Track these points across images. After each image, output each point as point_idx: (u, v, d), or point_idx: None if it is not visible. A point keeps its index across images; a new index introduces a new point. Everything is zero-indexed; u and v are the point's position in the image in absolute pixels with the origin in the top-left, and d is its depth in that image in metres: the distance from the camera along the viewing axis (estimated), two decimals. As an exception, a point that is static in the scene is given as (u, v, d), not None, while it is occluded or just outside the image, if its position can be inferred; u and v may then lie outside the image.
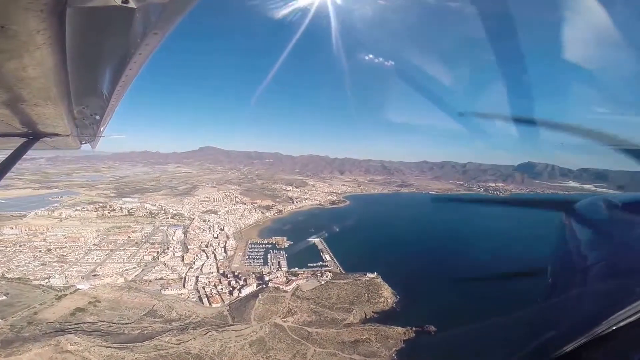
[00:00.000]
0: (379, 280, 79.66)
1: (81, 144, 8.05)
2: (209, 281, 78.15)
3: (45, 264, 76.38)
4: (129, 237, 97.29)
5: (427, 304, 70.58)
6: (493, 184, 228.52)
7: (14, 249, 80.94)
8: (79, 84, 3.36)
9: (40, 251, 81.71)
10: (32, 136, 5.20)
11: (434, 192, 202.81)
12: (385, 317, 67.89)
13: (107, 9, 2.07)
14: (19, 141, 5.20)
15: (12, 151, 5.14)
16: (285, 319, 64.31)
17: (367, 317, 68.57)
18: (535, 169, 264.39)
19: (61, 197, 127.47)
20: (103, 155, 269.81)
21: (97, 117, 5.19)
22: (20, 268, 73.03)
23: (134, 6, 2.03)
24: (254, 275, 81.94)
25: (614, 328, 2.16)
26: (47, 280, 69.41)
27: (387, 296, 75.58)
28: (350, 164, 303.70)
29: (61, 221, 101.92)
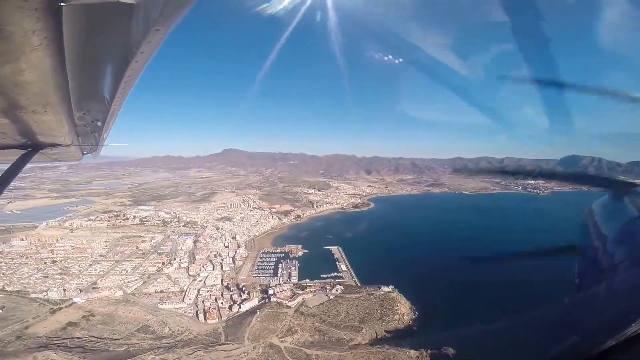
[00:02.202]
0: (395, 294, 74.18)
1: (83, 154, 7.85)
2: (211, 295, 76.68)
3: (48, 277, 78.68)
4: (137, 248, 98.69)
5: (450, 321, 64.14)
6: (533, 181, 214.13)
7: (20, 261, 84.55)
8: (79, 87, 3.24)
9: (45, 263, 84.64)
10: (32, 147, 5.13)
11: (467, 192, 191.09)
12: (398, 338, 62.53)
13: (105, 6, 2.11)
14: (19, 154, 5.08)
15: (10, 165, 4.99)
16: (283, 339, 60.65)
17: (378, 337, 64.06)
18: (580, 163, 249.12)
19: (77, 206, 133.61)
20: (125, 162, 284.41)
21: (99, 124, 5.01)
22: (21, 281, 75.74)
23: (133, 2, 2.03)
24: (259, 289, 79.20)
25: None
26: (45, 294, 70.85)
27: (403, 312, 69.98)
28: (379, 163, 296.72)
29: (72, 231, 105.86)
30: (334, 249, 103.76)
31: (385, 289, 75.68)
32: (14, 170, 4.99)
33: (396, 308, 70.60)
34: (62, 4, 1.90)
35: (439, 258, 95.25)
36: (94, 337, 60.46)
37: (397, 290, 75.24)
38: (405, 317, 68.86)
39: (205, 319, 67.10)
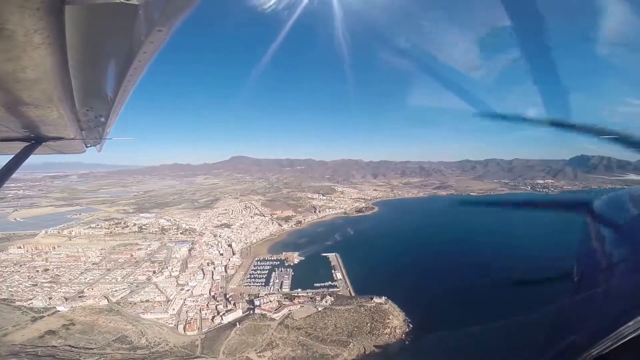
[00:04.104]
0: (388, 305, 70.08)
1: (86, 147, 7.79)
2: (196, 305, 74.17)
3: (37, 285, 78.38)
4: (131, 256, 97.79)
5: (448, 334, 58.85)
6: (542, 181, 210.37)
7: (13, 269, 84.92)
8: (81, 85, 3.34)
9: (37, 271, 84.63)
10: (35, 140, 5.20)
11: (474, 194, 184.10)
12: (389, 353, 58.89)
13: (107, 7, 2.15)
14: (21, 145, 5.18)
15: (13, 156, 5.10)
16: (261, 354, 57.50)
17: (367, 352, 60.08)
18: (589, 163, 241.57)
19: (79, 214, 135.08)
20: (134, 170, 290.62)
21: (102, 119, 5.08)
22: (10, 289, 75.76)
23: (137, 3, 2.07)
24: (246, 299, 76.18)
25: None
26: (30, 302, 70.15)
27: (395, 325, 65.57)
28: (386, 167, 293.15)
29: (70, 239, 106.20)
30: (332, 256, 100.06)
31: (377, 300, 71.51)
32: (17, 161, 5.00)
33: (387, 321, 66.28)
34: (65, 4, 1.93)
35: (442, 264, 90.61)
36: (69, 346, 59.21)
37: (390, 301, 71.11)
38: (398, 331, 64.51)
39: (184, 330, 64.67)
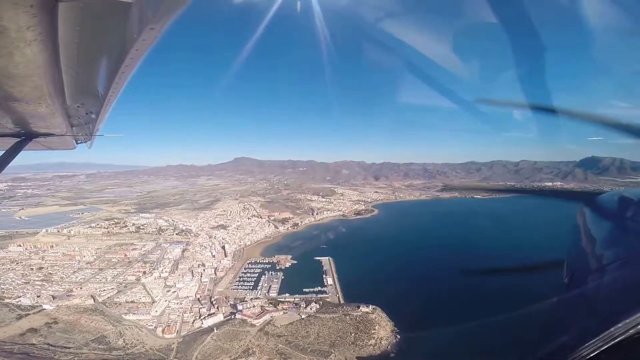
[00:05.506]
0: (375, 315, 67.72)
1: (77, 143, 7.84)
2: (179, 307, 73.15)
3: (29, 283, 78.99)
4: (125, 256, 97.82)
5: (438, 346, 55.75)
6: (550, 183, 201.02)
7: (9, 267, 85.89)
8: (73, 82, 3.38)
9: (31, 269, 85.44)
10: (25, 136, 5.16)
11: (479, 196, 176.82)
12: None
13: (100, 4, 2.22)
14: (12, 141, 5.11)
15: (3, 152, 5.08)
16: (235, 362, 55.41)
17: (348, 364, 56.88)
18: (600, 164, 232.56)
19: (82, 213, 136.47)
20: (140, 170, 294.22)
21: (93, 116, 5.09)
22: (2, 286, 76.27)
23: (130, 0, 2.11)
24: (230, 303, 74.81)
25: (631, 332, 2.20)
26: (18, 299, 70.73)
27: (381, 336, 63.02)
28: (388, 168, 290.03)
29: (69, 238, 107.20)
30: (325, 260, 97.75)
31: (364, 309, 69.04)
32: (7, 157, 4.95)
33: (373, 331, 63.65)
34: (58, 1, 1.96)
35: (439, 268, 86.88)
36: (47, 344, 59.10)
37: (379, 309, 68.55)
38: (383, 342, 61.80)
39: (162, 333, 63.76)
